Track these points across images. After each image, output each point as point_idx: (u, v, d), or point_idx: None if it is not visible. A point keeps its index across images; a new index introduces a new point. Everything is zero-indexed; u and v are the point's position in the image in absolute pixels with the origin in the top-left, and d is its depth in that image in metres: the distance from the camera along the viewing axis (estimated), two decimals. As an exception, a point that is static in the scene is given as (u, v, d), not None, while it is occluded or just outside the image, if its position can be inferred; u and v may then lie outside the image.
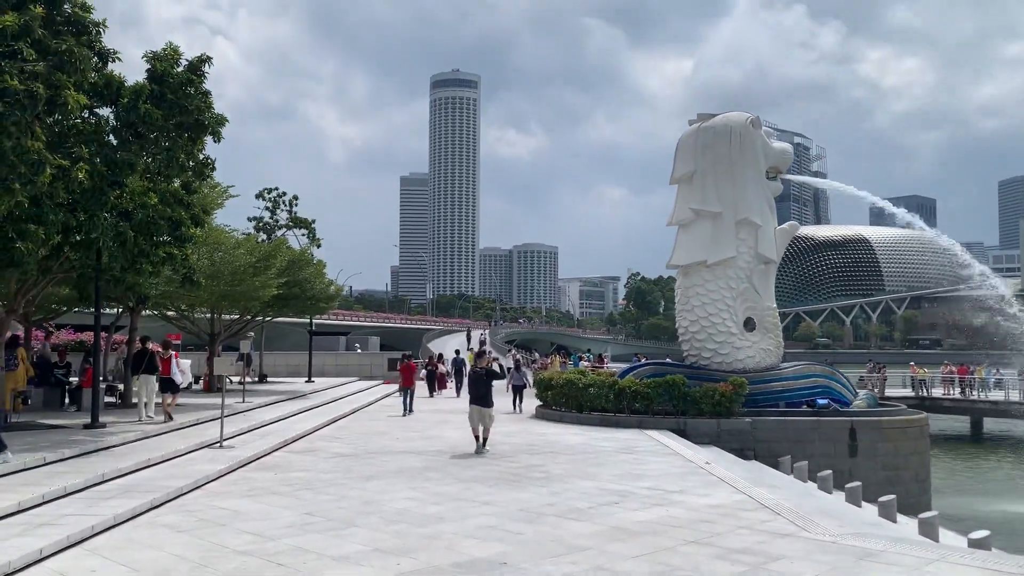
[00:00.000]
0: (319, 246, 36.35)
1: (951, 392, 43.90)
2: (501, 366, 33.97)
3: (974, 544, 10.31)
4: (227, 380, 22.00)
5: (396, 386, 28.82)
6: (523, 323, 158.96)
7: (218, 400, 17.69)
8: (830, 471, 17.73)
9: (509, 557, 8.18)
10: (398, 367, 28.25)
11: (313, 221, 37.10)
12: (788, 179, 25.06)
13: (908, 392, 43.72)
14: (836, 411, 21.73)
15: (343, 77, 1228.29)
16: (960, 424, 44.20)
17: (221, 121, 18.51)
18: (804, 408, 22.12)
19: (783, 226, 24.65)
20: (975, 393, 42.89)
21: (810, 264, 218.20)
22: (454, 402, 30.19)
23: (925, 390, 43.48)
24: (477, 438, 16.57)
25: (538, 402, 25.31)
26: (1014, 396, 41.27)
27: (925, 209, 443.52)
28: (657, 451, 16.82)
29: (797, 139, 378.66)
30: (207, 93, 18.21)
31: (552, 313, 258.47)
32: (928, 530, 11.99)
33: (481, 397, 16.72)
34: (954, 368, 46.09)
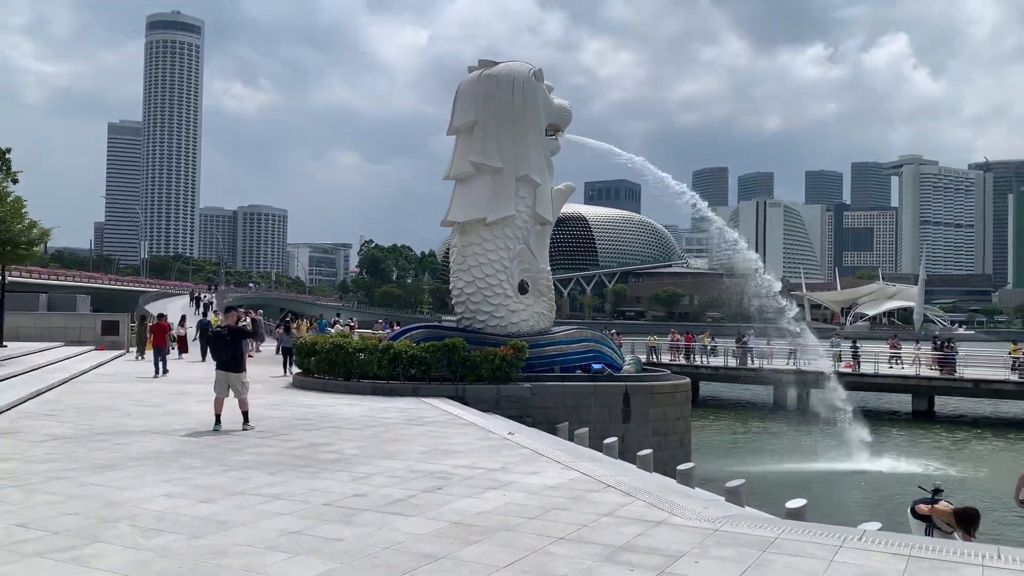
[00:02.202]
0: (15, 180, 29.72)
1: (677, 358, 46.91)
2: (255, 321, 30.32)
3: (791, 514, 9.76)
4: None
5: (113, 352, 25.09)
6: (253, 288, 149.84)
7: None
8: (616, 438, 17.03)
9: (345, 579, 5.97)
10: (148, 327, 26.40)
11: (8, 150, 30.39)
12: (572, 139, 24.22)
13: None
14: (611, 376, 21.38)
15: (43, 6, 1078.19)
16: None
17: None
18: (578, 373, 21.54)
19: (559, 187, 23.87)
20: (698, 359, 46.20)
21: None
22: (198, 368, 26.74)
23: (656, 356, 46.04)
24: (218, 415, 13.64)
25: (297, 369, 22.50)
26: (731, 362, 45.19)
27: (632, 194, 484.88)
28: (450, 422, 15.07)
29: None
30: None
31: (281, 279, 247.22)
32: (735, 498, 11.49)
33: (228, 362, 13.91)
34: (680, 336, 49.37)
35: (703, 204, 27.83)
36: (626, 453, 17.32)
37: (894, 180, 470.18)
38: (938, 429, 34.86)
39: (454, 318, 23.64)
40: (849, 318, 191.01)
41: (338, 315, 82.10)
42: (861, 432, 26.58)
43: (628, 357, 24.20)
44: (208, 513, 7.92)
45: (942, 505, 9.12)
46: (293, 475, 9.88)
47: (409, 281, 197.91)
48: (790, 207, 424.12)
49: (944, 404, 41.01)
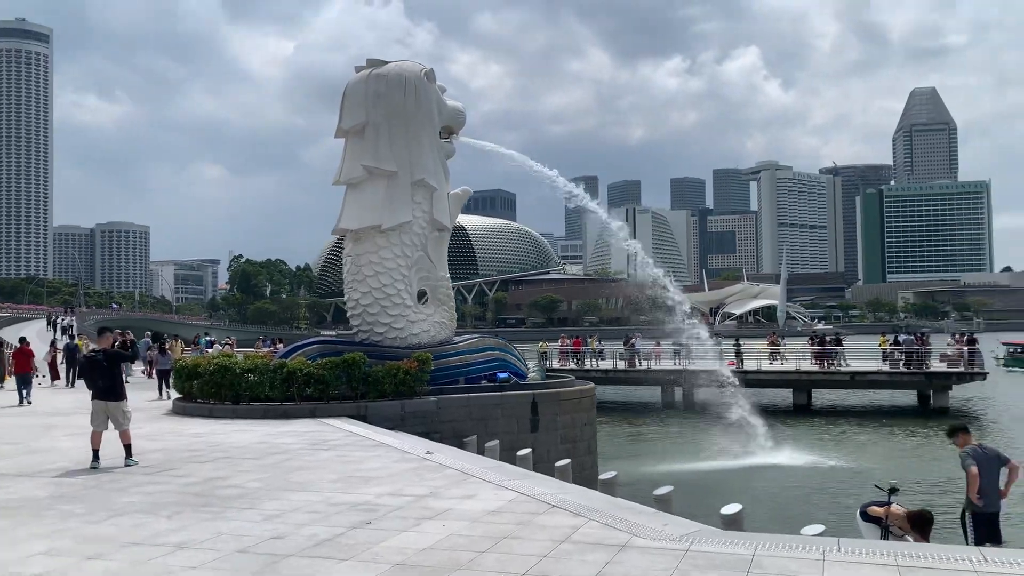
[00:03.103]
0: None
1: (568, 364, 46.83)
2: (132, 343, 27.90)
3: (728, 521, 9.35)
4: None
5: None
6: (115, 309, 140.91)
7: None
8: (529, 450, 16.50)
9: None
10: (10, 353, 24.81)
11: None
12: (466, 141, 23.39)
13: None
14: (518, 385, 20.69)
15: None
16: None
17: None
18: (484, 383, 20.75)
19: (456, 191, 23.03)
20: (588, 363, 46.29)
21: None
22: (65, 396, 24.39)
23: (547, 363, 45.80)
24: (96, 451, 12.05)
25: (175, 394, 20.63)
26: (620, 365, 45.54)
27: (507, 203, 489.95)
28: (357, 443, 13.93)
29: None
30: None
31: (145, 298, 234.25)
32: (664, 506, 11.03)
33: (106, 390, 12.34)
34: (569, 341, 49.39)
35: (584, 194, 27.53)
36: (538, 464, 16.68)
37: (752, 185, 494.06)
38: (820, 421, 36.11)
39: (333, 333, 22.27)
40: (718, 318, 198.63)
41: (206, 334, 77.85)
42: (757, 427, 26.99)
43: (531, 364, 23.60)
44: (101, 572, 6.64)
45: (896, 508, 8.87)
46: (194, 517, 8.61)
47: (284, 296, 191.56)
48: (658, 213, 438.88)
49: (820, 397, 42.70)
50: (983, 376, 38.56)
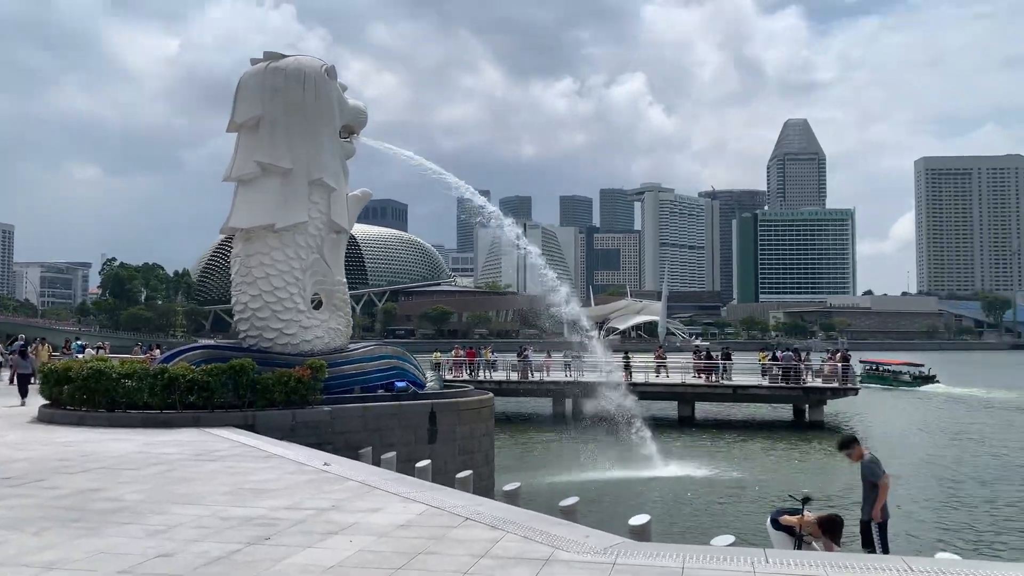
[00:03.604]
0: None
1: (461, 374, 46.35)
2: None
3: (635, 532, 9.18)
4: None
5: None
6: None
7: None
8: (428, 461, 15.88)
9: None
10: None
11: None
12: (366, 142, 22.60)
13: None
14: (416, 394, 20.09)
15: None
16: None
17: None
18: (381, 392, 20.04)
19: (355, 192, 22.26)
20: (481, 374, 45.93)
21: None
22: None
23: (441, 372, 45.15)
24: None
25: (43, 400, 18.92)
26: (513, 376, 45.40)
27: (398, 213, 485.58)
28: (247, 454, 13.04)
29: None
30: None
31: (7, 301, 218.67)
32: (570, 516, 10.77)
33: None
34: (463, 352, 48.92)
35: (486, 202, 27.16)
36: (437, 476, 16.14)
37: (637, 205, 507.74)
38: (705, 433, 36.96)
39: (211, 341, 21.16)
40: (602, 332, 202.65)
41: (77, 338, 73.20)
42: (647, 439, 27.24)
43: (429, 373, 23.02)
44: (-49, 601, 5.74)
45: (807, 515, 8.86)
46: (66, 533, 7.69)
47: (160, 303, 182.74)
48: (548, 229, 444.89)
49: (701, 409, 43.78)
50: (855, 391, 40.48)
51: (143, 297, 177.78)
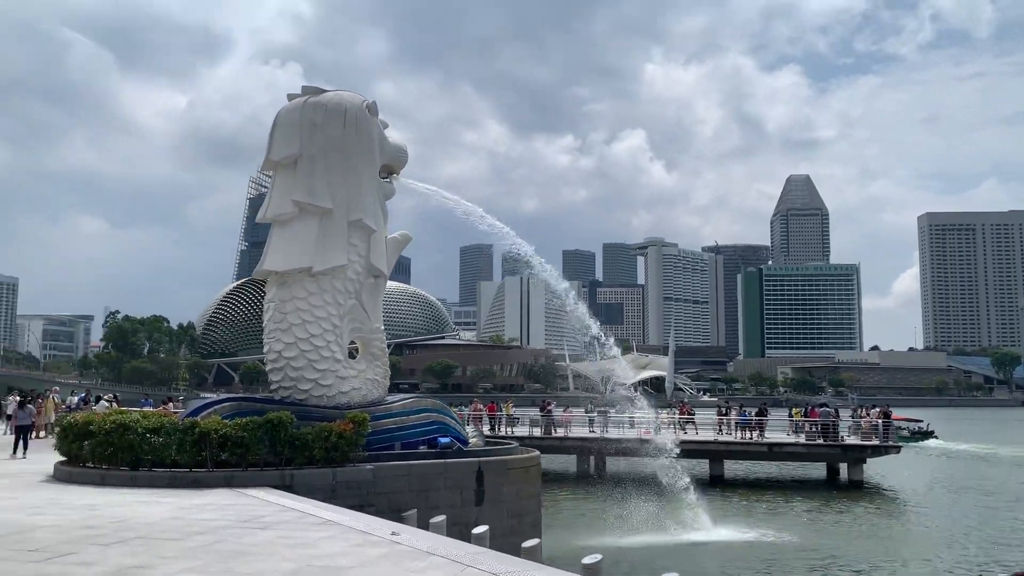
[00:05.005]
0: None
1: (481, 429, 44.61)
2: None
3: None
4: None
5: None
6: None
7: None
8: (486, 527, 14.34)
9: None
10: None
11: None
12: (407, 183, 21.34)
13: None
14: (461, 451, 18.56)
15: None
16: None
17: None
18: (423, 449, 18.53)
19: (395, 235, 21.07)
20: (504, 430, 44.21)
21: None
22: None
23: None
24: None
25: (60, 457, 17.36)
26: (536, 432, 43.70)
27: (401, 267, 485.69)
28: (299, 520, 11.52)
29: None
30: None
31: (10, 354, 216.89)
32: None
33: None
34: (482, 406, 47.27)
35: (542, 260, 25.93)
36: (492, 542, 14.61)
37: (640, 260, 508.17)
38: (736, 493, 35.16)
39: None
40: (608, 387, 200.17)
41: (72, 392, 71.54)
42: (691, 500, 25.57)
43: (470, 429, 21.50)
44: None
45: None
46: (116, 629, 6.20)
47: (163, 355, 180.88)
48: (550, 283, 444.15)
49: (730, 467, 41.90)
50: (897, 449, 38.71)
51: (146, 350, 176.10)
